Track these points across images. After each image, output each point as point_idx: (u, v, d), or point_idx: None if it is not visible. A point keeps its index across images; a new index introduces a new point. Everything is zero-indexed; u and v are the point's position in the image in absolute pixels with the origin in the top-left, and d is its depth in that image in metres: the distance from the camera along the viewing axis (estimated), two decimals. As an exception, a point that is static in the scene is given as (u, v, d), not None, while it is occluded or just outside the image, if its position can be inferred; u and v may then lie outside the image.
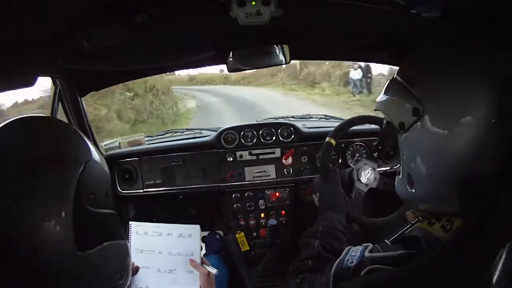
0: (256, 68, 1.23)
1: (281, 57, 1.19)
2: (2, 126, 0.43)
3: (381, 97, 0.59)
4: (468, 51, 0.49)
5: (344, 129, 1.14)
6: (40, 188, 0.39)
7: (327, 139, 1.10)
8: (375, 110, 0.62)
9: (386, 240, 0.60)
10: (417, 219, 0.59)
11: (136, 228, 0.94)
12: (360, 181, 1.07)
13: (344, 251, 0.58)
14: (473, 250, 0.40)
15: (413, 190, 0.55)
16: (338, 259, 0.57)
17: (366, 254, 0.54)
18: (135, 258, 0.93)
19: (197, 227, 0.96)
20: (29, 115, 0.48)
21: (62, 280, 0.39)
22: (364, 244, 0.58)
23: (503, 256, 0.41)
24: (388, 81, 0.58)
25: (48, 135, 0.45)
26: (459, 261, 0.40)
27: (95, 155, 0.48)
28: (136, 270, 0.70)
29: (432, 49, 0.55)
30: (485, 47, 0.48)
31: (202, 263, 0.92)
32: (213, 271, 0.91)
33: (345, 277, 0.54)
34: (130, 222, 0.96)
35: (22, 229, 0.38)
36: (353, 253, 0.57)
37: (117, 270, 0.48)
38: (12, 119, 0.45)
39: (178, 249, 0.93)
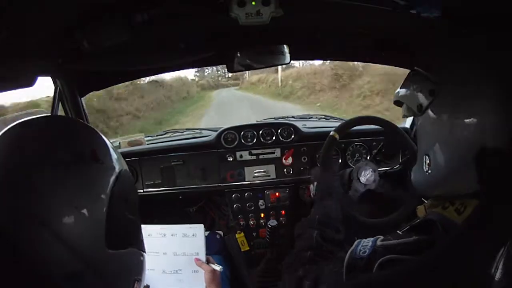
0: (256, 68, 1.23)
1: (281, 57, 1.19)
2: (28, 121, 0.43)
3: (399, 89, 0.63)
4: (475, 46, 0.53)
5: (350, 126, 1.13)
6: (74, 185, 0.40)
7: (331, 133, 1.09)
8: (394, 102, 0.66)
9: (398, 231, 0.60)
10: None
11: None
12: (359, 180, 1.07)
13: (355, 243, 0.59)
14: (486, 235, 0.41)
15: (429, 171, 0.58)
16: (350, 250, 0.58)
17: (378, 243, 0.55)
18: None
19: (201, 226, 0.95)
20: (58, 115, 0.49)
21: (90, 274, 0.40)
22: (375, 236, 0.59)
23: (503, 256, 0.41)
24: (406, 75, 0.63)
25: (83, 136, 0.46)
26: (476, 243, 0.41)
27: (127, 168, 0.50)
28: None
29: (447, 43, 0.61)
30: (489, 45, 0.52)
31: (208, 261, 0.92)
32: (218, 268, 0.91)
33: (358, 267, 0.54)
34: None
35: (59, 218, 0.38)
36: (365, 243, 0.57)
37: (136, 278, 0.49)
38: (39, 116, 0.45)
39: (183, 249, 0.93)
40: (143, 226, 0.96)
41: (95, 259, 0.40)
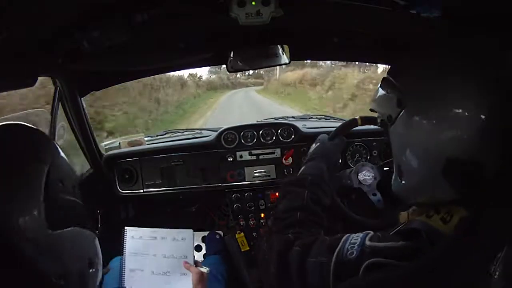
0: (256, 69, 1.23)
1: (281, 57, 1.19)
2: None
3: (374, 95, 0.62)
4: (455, 49, 0.52)
5: (373, 122, 1.09)
6: (16, 181, 0.45)
7: (357, 116, 1.03)
8: (370, 110, 0.65)
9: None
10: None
11: (131, 233, 0.97)
12: (357, 177, 1.06)
13: (343, 239, 0.57)
14: (477, 246, 0.40)
15: (403, 182, 0.58)
16: (337, 249, 0.56)
17: (367, 242, 0.54)
18: (129, 260, 0.95)
19: (190, 231, 0.99)
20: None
21: (36, 255, 0.43)
22: (365, 232, 0.57)
23: (501, 259, 0.41)
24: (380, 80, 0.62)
25: (16, 139, 0.51)
26: (464, 257, 0.40)
27: (61, 155, 0.54)
28: (107, 270, 0.73)
29: (417, 46, 0.59)
30: (472, 47, 0.50)
31: (196, 264, 0.94)
32: (205, 270, 0.93)
33: (346, 269, 0.54)
34: (126, 227, 0.98)
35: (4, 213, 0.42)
36: (353, 241, 0.56)
37: (87, 257, 0.51)
38: None
39: (172, 252, 0.95)
40: (134, 228, 1.00)
41: (41, 241, 0.44)
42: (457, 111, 0.47)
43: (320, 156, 0.88)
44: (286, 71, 15.48)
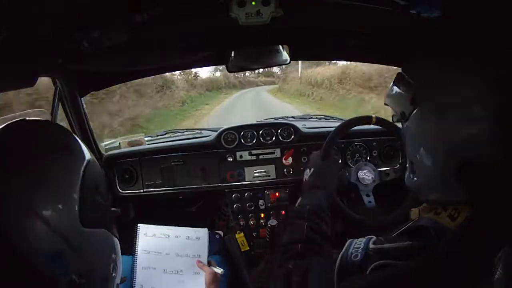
0: (256, 69, 1.23)
1: (281, 57, 1.19)
2: (4, 127, 0.47)
3: (388, 91, 0.62)
4: (463, 49, 0.51)
5: (386, 125, 1.08)
6: (55, 172, 0.46)
7: (373, 115, 1.03)
8: (385, 104, 0.65)
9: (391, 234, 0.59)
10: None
11: (145, 230, 0.96)
12: (358, 178, 1.06)
13: (347, 244, 0.58)
14: (483, 241, 0.40)
15: (415, 178, 0.58)
16: (341, 253, 0.56)
17: (371, 246, 0.54)
18: (142, 258, 0.94)
19: (205, 230, 0.98)
20: (29, 118, 0.53)
21: (67, 250, 0.43)
22: (367, 236, 0.57)
23: (502, 257, 0.41)
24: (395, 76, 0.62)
25: (54, 133, 0.52)
26: (470, 252, 0.40)
27: (94, 158, 0.54)
28: (123, 280, 0.72)
29: (432, 45, 0.58)
30: (479, 47, 0.50)
31: (209, 264, 0.94)
32: (219, 271, 0.93)
33: (350, 272, 0.53)
34: (139, 225, 0.97)
35: (41, 203, 0.43)
36: (356, 245, 0.56)
37: (111, 260, 0.52)
38: (12, 121, 0.49)
39: (186, 251, 0.94)
40: (148, 225, 0.99)
41: (72, 236, 0.44)
42: (469, 111, 0.47)
43: (317, 185, 0.89)
44: (311, 67, 12.16)
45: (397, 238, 0.54)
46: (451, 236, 0.48)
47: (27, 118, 0.52)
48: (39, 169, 0.44)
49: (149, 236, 0.96)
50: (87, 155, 0.52)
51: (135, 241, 0.96)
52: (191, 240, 0.95)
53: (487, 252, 0.41)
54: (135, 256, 0.95)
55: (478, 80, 0.47)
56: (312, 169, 0.94)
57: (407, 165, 0.61)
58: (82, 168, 0.48)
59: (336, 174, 0.96)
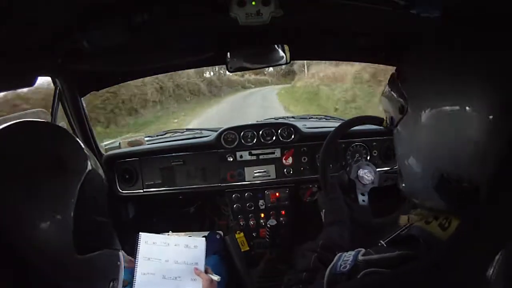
0: (256, 69, 1.23)
1: (281, 57, 1.19)
2: (2, 129, 0.44)
3: (383, 92, 0.61)
4: (455, 52, 0.49)
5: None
6: (43, 193, 0.41)
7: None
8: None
9: (381, 241, 0.59)
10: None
11: (145, 238, 1.01)
12: (361, 182, 1.06)
13: (336, 258, 0.57)
14: (472, 252, 0.40)
15: (403, 185, 0.57)
16: (330, 265, 0.56)
17: (360, 257, 0.54)
18: (142, 265, 0.99)
19: (203, 239, 1.03)
20: (29, 119, 0.48)
21: (61, 281, 0.40)
22: (356, 249, 0.57)
23: (501, 257, 0.41)
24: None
25: (51, 142, 0.46)
26: (458, 262, 0.40)
27: (95, 164, 0.50)
28: (126, 283, 0.72)
29: (424, 48, 0.56)
30: (473, 48, 0.48)
31: (206, 272, 0.98)
32: (216, 278, 0.96)
33: (340, 279, 0.53)
34: (140, 233, 1.02)
35: (23, 230, 0.39)
36: (346, 258, 0.56)
37: (111, 278, 0.49)
38: (12, 123, 0.45)
39: (184, 258, 0.99)
40: (148, 234, 1.02)
41: (66, 265, 0.41)
42: (454, 127, 0.45)
43: (331, 222, 0.92)
44: (329, 65, 9.84)
45: (387, 249, 0.54)
46: (439, 247, 0.47)
47: (26, 120, 0.47)
48: (29, 193, 0.39)
49: (150, 244, 1.00)
50: (87, 165, 0.47)
51: (136, 249, 1.00)
52: (189, 248, 1.00)
53: (478, 259, 0.40)
54: (136, 263, 0.99)
55: (468, 94, 0.45)
56: (323, 211, 0.98)
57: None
58: (79, 186, 0.43)
59: (343, 203, 0.99)
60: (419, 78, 0.52)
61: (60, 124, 1.22)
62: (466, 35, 0.50)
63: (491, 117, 0.43)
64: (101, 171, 0.52)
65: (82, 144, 0.50)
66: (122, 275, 0.53)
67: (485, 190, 0.43)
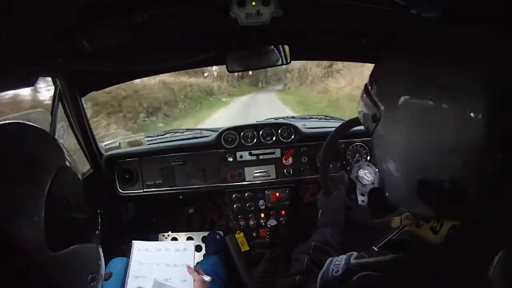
0: (256, 69, 1.23)
1: (281, 58, 1.19)
2: None
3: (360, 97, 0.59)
4: (423, 46, 0.48)
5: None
6: (11, 195, 0.41)
7: None
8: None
9: (373, 247, 0.58)
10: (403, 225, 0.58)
11: (138, 246, 1.08)
12: (361, 182, 1.06)
13: (327, 262, 0.57)
14: (465, 255, 0.39)
15: (387, 194, 0.55)
16: (322, 270, 0.56)
17: (352, 261, 0.53)
18: (135, 269, 1.04)
19: (192, 242, 1.10)
20: None
21: (34, 278, 0.41)
22: (348, 253, 0.56)
23: (501, 257, 0.40)
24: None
25: (19, 143, 0.46)
26: (451, 266, 0.39)
27: (68, 161, 0.49)
28: (109, 275, 0.72)
29: (394, 51, 0.54)
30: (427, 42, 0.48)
31: (198, 272, 1.01)
32: (207, 278, 0.99)
33: (333, 284, 0.53)
34: (133, 241, 1.07)
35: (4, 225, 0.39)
36: (337, 262, 0.55)
37: (88, 272, 0.49)
38: None
39: (174, 261, 1.04)
40: (141, 242, 1.06)
41: (41, 262, 0.41)
42: (427, 132, 0.44)
43: (325, 223, 0.93)
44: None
45: (379, 252, 0.53)
46: (431, 251, 0.46)
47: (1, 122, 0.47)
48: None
49: (142, 251, 1.07)
50: (57, 163, 0.47)
51: (129, 255, 1.05)
52: (179, 252, 1.05)
53: (474, 261, 0.39)
54: (128, 268, 1.05)
55: (437, 87, 0.43)
56: (320, 211, 0.99)
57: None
58: (48, 184, 0.43)
59: (342, 204, 0.99)
60: (388, 76, 0.50)
61: (60, 124, 1.22)
62: (436, 31, 0.49)
63: (471, 114, 0.41)
64: (77, 169, 0.51)
65: (53, 141, 0.50)
66: (102, 268, 0.53)
67: (472, 192, 0.43)
